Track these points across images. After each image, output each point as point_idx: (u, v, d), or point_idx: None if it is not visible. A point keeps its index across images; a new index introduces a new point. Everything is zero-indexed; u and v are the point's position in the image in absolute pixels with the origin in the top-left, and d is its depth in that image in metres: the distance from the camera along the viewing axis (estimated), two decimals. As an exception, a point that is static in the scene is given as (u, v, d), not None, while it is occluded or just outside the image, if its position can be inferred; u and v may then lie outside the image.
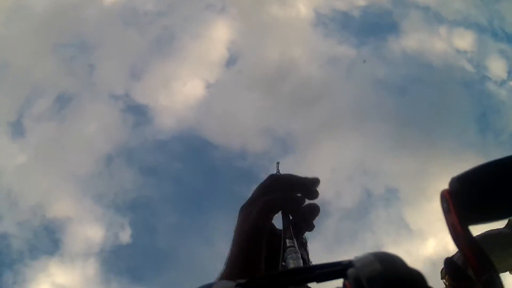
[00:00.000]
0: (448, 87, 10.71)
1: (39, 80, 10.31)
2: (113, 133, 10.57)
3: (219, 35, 11.13)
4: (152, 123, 10.63)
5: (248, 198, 0.79)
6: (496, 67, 10.52)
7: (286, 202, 0.76)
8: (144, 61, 11.34)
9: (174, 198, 10.53)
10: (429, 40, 11.13)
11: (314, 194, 0.78)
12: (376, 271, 0.30)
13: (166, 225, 10.23)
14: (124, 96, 10.68)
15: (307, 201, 0.78)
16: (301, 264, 0.57)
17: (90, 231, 9.64)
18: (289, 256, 0.57)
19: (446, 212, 0.35)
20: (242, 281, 0.35)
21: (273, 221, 0.76)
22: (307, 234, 1.03)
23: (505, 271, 0.48)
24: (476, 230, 0.35)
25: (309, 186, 0.77)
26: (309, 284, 0.37)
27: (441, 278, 0.50)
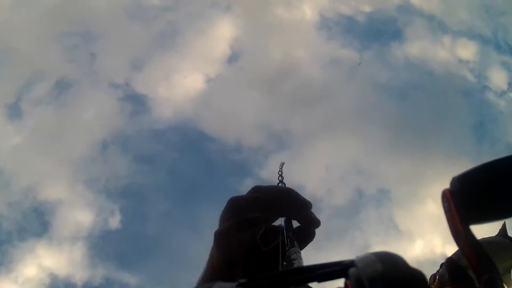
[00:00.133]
0: (448, 95, 10.77)
1: (41, 65, 10.33)
2: (110, 120, 10.60)
3: (223, 33, 11.16)
4: (150, 113, 10.66)
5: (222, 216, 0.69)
6: (497, 78, 10.60)
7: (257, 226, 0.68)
8: (147, 53, 11.39)
9: (167, 187, 10.58)
10: (432, 48, 11.20)
11: (308, 220, 0.72)
12: (378, 271, 0.29)
13: (157, 213, 10.27)
14: (124, 85, 10.72)
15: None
16: (302, 264, 0.56)
17: (80, 215, 9.68)
18: (291, 256, 0.58)
19: (447, 211, 0.35)
20: (243, 280, 0.34)
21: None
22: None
23: None
24: (477, 229, 0.35)
25: (300, 209, 0.71)
26: (310, 284, 0.37)
27: (430, 284, 0.50)
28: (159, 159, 10.89)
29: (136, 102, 10.99)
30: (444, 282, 0.47)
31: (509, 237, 0.50)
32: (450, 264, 0.39)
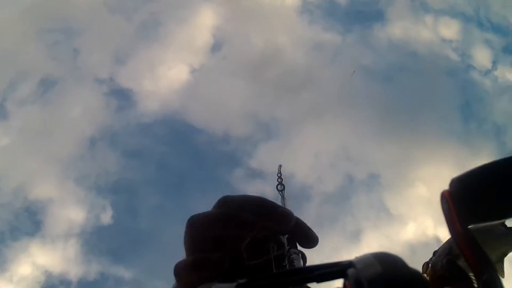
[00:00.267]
0: (433, 75, 10.79)
1: (23, 64, 10.20)
2: (96, 117, 10.51)
3: (205, 21, 11.07)
4: (136, 107, 10.58)
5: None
6: (481, 56, 10.62)
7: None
8: (129, 46, 11.26)
9: (157, 181, 10.53)
10: (415, 28, 11.18)
11: (298, 237, 0.61)
12: (377, 271, 0.30)
13: (148, 207, 10.24)
14: (109, 80, 10.61)
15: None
16: (301, 265, 0.57)
17: (71, 212, 9.62)
18: (291, 256, 0.58)
19: (447, 212, 0.36)
20: (242, 281, 0.34)
21: None
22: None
23: None
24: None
25: (278, 223, 0.57)
26: (309, 284, 0.37)
27: (422, 273, 0.50)
28: (148, 153, 10.83)
29: (122, 97, 10.88)
30: (437, 270, 0.47)
31: (504, 224, 0.51)
32: (450, 264, 0.39)
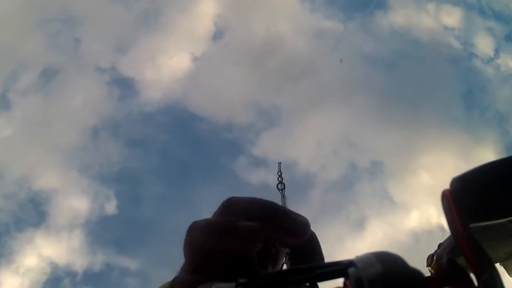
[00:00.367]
0: (435, 63, 10.74)
1: (25, 55, 10.20)
2: (99, 106, 10.51)
3: (206, 9, 11.02)
4: (138, 96, 10.58)
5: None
6: (483, 44, 10.57)
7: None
8: (130, 35, 11.23)
9: (160, 170, 10.55)
10: (417, 16, 11.12)
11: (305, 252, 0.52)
12: (378, 271, 0.30)
13: (152, 196, 10.27)
14: (110, 70, 10.60)
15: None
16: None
17: (76, 202, 9.66)
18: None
19: (447, 211, 0.36)
20: (242, 280, 0.34)
21: None
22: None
23: (495, 262, 0.49)
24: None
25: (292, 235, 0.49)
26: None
27: (427, 266, 0.50)
28: (150, 142, 10.84)
29: (124, 86, 10.87)
30: (442, 263, 0.47)
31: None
32: (450, 264, 0.39)
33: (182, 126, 10.88)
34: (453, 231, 0.35)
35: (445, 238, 0.53)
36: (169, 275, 0.50)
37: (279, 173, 0.87)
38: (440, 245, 0.54)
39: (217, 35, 11.10)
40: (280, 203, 0.96)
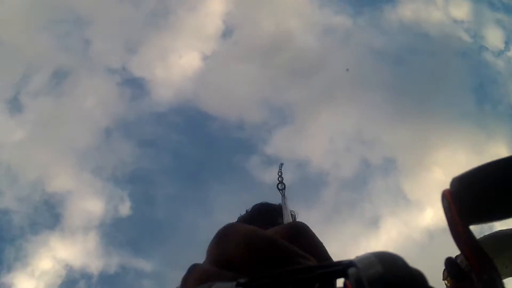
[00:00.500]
0: (445, 57, 10.66)
1: (35, 57, 10.27)
2: (110, 107, 10.57)
3: (215, 7, 11.03)
4: (149, 96, 10.62)
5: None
6: (493, 37, 10.48)
7: None
8: (140, 35, 11.26)
9: (173, 170, 10.59)
10: (426, 9, 11.05)
11: None
12: (378, 271, 0.30)
13: (165, 197, 10.30)
14: (121, 70, 10.65)
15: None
16: None
17: (90, 204, 9.71)
18: None
19: (447, 211, 0.36)
20: (242, 280, 0.34)
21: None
22: (296, 210, 1.03)
23: (510, 276, 0.47)
24: (476, 229, 0.35)
25: None
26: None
27: (443, 279, 0.50)
28: (163, 142, 10.88)
29: (135, 86, 10.92)
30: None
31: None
32: (450, 264, 0.39)
33: (194, 126, 10.91)
34: (453, 231, 0.35)
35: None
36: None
37: (279, 173, 0.87)
38: (457, 258, 0.53)
39: (226, 33, 11.12)
40: (280, 203, 0.96)
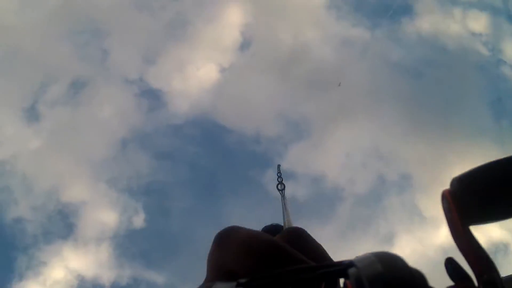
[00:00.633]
0: (463, 70, 10.64)
1: (53, 67, 10.45)
2: (127, 118, 10.69)
3: (232, 19, 11.14)
4: (166, 107, 10.72)
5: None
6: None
7: None
8: (158, 46, 11.41)
9: (188, 182, 10.63)
10: (444, 22, 11.04)
11: None
12: (378, 271, 0.30)
13: (180, 209, 10.33)
14: (138, 81, 10.79)
15: None
16: None
17: (104, 215, 9.78)
18: None
19: (447, 212, 0.36)
20: (242, 280, 0.34)
21: None
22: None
23: None
24: (477, 229, 0.35)
25: None
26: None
27: None
28: (179, 154, 10.97)
29: (152, 97, 11.05)
30: None
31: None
32: (449, 263, 0.39)
33: (210, 138, 10.99)
34: (453, 232, 0.35)
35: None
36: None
37: (278, 174, 0.88)
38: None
39: (244, 45, 11.21)
40: (280, 202, 0.96)
